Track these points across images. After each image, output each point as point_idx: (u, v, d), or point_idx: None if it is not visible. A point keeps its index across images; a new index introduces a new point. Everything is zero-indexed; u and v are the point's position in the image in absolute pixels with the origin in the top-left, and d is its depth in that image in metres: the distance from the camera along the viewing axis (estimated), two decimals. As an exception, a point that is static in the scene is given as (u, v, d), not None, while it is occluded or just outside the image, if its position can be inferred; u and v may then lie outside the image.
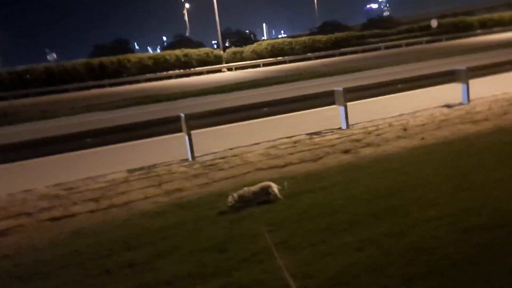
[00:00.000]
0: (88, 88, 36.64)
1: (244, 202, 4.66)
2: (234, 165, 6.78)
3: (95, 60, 39.73)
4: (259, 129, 9.53)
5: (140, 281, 3.32)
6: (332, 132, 8.25)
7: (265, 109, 8.29)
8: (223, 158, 7.31)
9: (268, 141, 8.16)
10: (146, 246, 4.00)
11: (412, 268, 3.06)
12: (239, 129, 9.63)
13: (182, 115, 7.58)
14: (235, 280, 3.18)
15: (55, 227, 4.96)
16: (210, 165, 6.96)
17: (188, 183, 6.12)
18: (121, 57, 39.90)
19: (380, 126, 8.22)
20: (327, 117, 9.39)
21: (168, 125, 7.74)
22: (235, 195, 4.65)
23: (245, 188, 4.79)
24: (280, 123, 9.72)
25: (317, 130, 8.55)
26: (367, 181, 5.16)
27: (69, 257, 3.98)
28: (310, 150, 7.12)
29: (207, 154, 7.66)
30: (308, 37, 48.92)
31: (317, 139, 7.86)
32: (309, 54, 44.79)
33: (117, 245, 4.09)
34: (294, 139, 8.06)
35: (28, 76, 36.38)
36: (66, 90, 36.03)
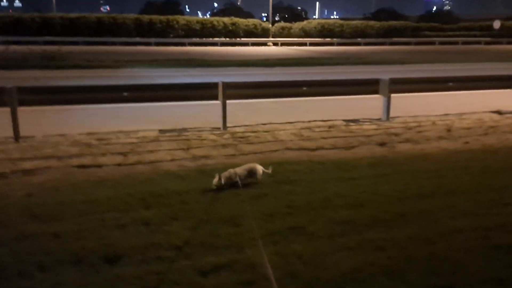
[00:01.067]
0: (134, 44, 37.14)
1: (230, 183, 4.43)
2: (264, 140, 6.66)
3: (145, 17, 40.08)
4: (295, 108, 9.33)
5: (152, 241, 3.29)
6: (370, 122, 7.94)
7: (305, 88, 8.05)
8: (254, 132, 7.19)
9: (303, 121, 7.96)
10: (163, 207, 3.97)
11: (435, 278, 2.87)
12: (275, 105, 9.47)
13: (220, 82, 7.47)
14: (246, 257, 3.09)
15: (81, 174, 5.02)
16: (241, 137, 6.86)
17: (215, 151, 6.05)
18: (170, 17, 40.09)
19: (422, 123, 7.85)
20: (368, 106, 9.06)
21: (205, 91, 7.65)
22: (221, 176, 4.42)
23: (231, 170, 4.55)
24: (317, 105, 9.48)
25: (355, 118, 8.26)
26: (400, 178, 4.92)
27: (88, 205, 4.01)
28: (344, 137, 6.88)
29: (239, 126, 7.56)
30: (360, 22, 47.43)
31: (353, 127, 7.59)
32: (359, 39, 43.47)
33: (136, 201, 4.08)
34: (329, 123, 7.82)
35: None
36: (113, 43, 36.66)
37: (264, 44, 41.66)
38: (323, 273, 2.91)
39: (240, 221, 3.68)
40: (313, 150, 6.16)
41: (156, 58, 22.47)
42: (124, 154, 5.88)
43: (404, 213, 3.89)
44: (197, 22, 41.09)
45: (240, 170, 4.58)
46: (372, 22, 46.52)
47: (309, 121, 7.97)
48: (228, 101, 7.44)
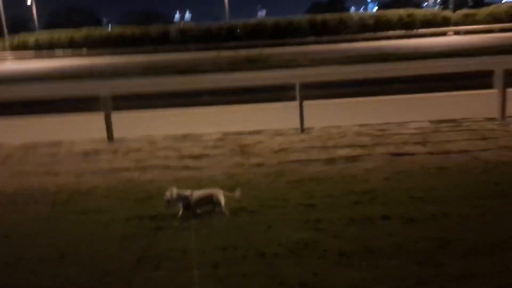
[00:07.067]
0: (307, 43, 38.21)
1: (184, 204, 3.71)
2: None
3: (318, 17, 40.98)
4: None
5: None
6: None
7: None
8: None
9: None
10: None
11: None
12: None
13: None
14: None
15: (398, 161, 5.23)
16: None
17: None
18: (343, 14, 40.22)
19: None
20: None
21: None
22: (174, 192, 3.69)
23: (189, 191, 3.77)
24: None
25: None
26: None
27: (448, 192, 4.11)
28: None
29: None
30: None
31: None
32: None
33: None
34: None
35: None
36: (289, 44, 38.34)
37: (444, 34, 38.61)
38: None
39: None
40: None
41: (348, 55, 22.56)
42: (421, 143, 5.94)
43: None
44: (371, 17, 40.36)
45: (196, 194, 3.76)
46: None
47: None
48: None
